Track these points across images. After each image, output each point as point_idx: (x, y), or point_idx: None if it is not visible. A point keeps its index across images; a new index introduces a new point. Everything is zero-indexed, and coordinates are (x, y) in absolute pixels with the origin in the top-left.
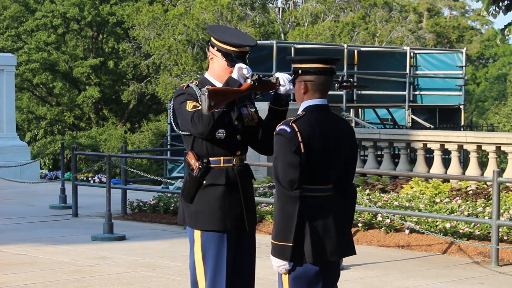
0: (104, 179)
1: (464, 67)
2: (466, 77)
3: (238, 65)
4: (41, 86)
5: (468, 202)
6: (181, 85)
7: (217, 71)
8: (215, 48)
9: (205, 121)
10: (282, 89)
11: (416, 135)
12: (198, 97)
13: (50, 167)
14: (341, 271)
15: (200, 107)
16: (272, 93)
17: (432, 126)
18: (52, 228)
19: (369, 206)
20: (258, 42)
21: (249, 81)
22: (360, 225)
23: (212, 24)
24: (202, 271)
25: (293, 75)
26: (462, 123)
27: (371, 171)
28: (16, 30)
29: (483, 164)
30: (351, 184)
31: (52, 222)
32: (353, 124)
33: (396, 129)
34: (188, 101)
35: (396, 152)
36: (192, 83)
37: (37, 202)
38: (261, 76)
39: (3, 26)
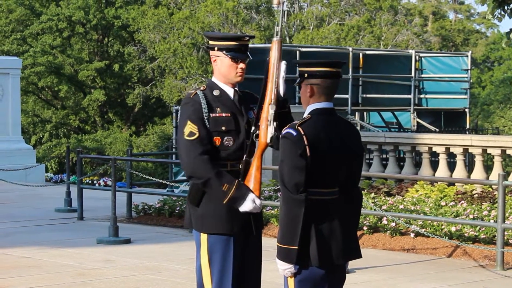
0: (109, 182)
1: (469, 71)
2: (471, 81)
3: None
4: (46, 89)
5: (474, 206)
6: (189, 91)
7: (223, 70)
8: (216, 48)
9: (189, 168)
10: (281, 93)
11: (421, 138)
12: (202, 105)
13: (56, 170)
14: (347, 274)
15: (195, 136)
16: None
17: (437, 130)
18: (57, 231)
19: (374, 210)
20: (263, 45)
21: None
22: (365, 228)
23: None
24: (208, 274)
25: (298, 79)
26: (468, 127)
27: (376, 174)
28: (22, 33)
29: (488, 168)
30: (356, 187)
31: (58, 225)
32: (358, 127)
33: (401, 133)
34: (188, 122)
35: (401, 156)
36: (199, 89)
37: (43, 205)
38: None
39: (8, 29)
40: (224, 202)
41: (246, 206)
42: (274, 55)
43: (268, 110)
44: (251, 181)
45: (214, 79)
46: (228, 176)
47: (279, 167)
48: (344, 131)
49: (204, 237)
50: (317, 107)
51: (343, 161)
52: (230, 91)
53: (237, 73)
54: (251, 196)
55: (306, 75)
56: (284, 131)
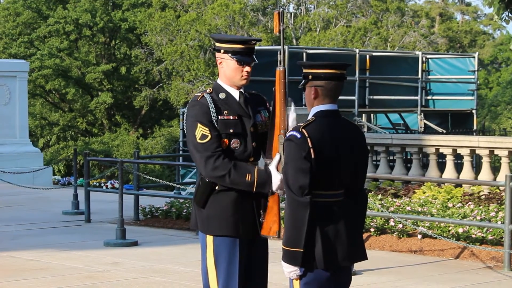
0: (116, 185)
1: (476, 72)
2: (478, 82)
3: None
4: (53, 92)
5: (481, 207)
6: (196, 94)
7: (228, 73)
8: (222, 51)
9: (207, 168)
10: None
11: (428, 140)
12: (210, 108)
13: (63, 173)
14: (353, 276)
15: (208, 138)
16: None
17: (444, 131)
18: (64, 234)
19: (381, 211)
20: (270, 47)
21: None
22: (372, 230)
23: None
24: (214, 276)
25: (303, 80)
26: (475, 128)
27: (383, 176)
28: (29, 36)
29: (495, 169)
30: (362, 189)
31: (65, 228)
32: (365, 129)
33: (408, 134)
34: (198, 125)
35: (408, 157)
36: (206, 91)
37: (50, 208)
38: None
39: (16, 32)
40: (254, 191)
41: (276, 185)
42: (278, 85)
43: (278, 141)
44: (270, 214)
45: (219, 81)
46: (246, 166)
47: (283, 170)
48: (349, 133)
49: (210, 239)
50: (321, 109)
51: (347, 163)
52: (235, 94)
53: (242, 76)
54: (275, 175)
55: (310, 77)
56: (288, 133)
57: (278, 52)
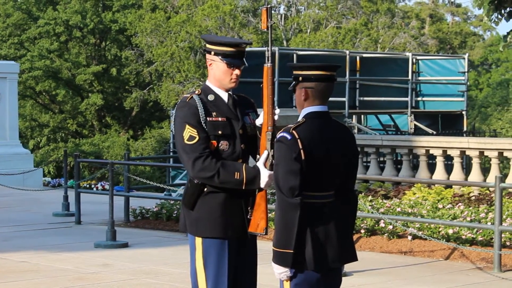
0: (107, 186)
1: (466, 73)
2: (468, 83)
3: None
4: (44, 93)
5: (471, 208)
6: (185, 95)
7: (218, 75)
8: (212, 53)
9: (195, 169)
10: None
11: (418, 141)
12: (199, 109)
13: (53, 174)
14: (344, 278)
15: (195, 140)
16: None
17: (434, 132)
18: (55, 236)
19: (372, 213)
20: (260, 48)
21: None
22: (362, 231)
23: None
24: (203, 278)
25: (293, 82)
26: (465, 129)
27: (374, 177)
28: (19, 37)
29: (485, 170)
30: (352, 190)
31: (55, 229)
32: (355, 131)
33: (399, 135)
34: (186, 126)
35: (399, 158)
36: (195, 93)
37: (40, 210)
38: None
39: (6, 33)
40: (244, 188)
41: (264, 182)
42: (266, 82)
43: (266, 137)
44: (258, 211)
45: (208, 83)
46: (234, 164)
47: (274, 171)
48: (339, 134)
49: (199, 241)
50: (311, 111)
51: (338, 164)
52: (224, 96)
53: (231, 79)
54: (263, 172)
55: (300, 78)
56: (278, 135)
57: (266, 49)
